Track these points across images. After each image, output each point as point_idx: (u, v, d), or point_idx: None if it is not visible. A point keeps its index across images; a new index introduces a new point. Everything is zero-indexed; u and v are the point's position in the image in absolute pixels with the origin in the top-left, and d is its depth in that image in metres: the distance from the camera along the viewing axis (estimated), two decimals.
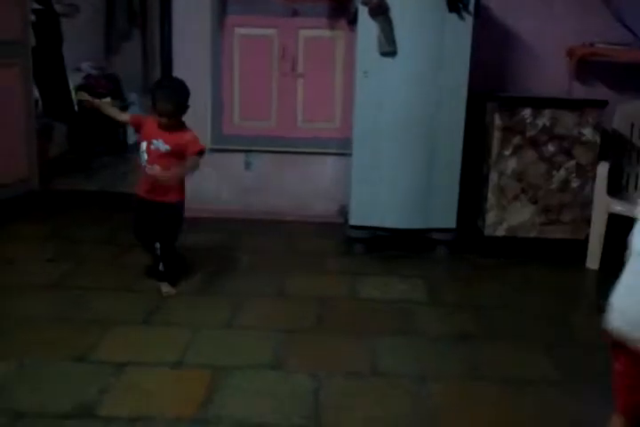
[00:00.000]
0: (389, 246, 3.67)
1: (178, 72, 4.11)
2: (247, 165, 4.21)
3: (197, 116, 4.11)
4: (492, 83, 3.91)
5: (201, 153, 2.94)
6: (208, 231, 3.89)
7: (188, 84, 4.13)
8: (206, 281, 3.16)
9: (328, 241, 3.80)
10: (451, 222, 3.58)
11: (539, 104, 3.53)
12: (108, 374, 2.26)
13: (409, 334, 2.70)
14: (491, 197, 3.58)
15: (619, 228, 3.46)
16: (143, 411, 2.06)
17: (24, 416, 2.01)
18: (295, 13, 4.01)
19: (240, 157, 4.20)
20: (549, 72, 3.99)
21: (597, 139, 3.54)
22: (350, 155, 3.65)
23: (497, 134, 3.55)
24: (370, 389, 2.27)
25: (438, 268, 3.52)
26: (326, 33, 4.05)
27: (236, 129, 4.17)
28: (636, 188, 3.68)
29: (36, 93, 5.11)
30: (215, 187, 4.21)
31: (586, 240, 3.53)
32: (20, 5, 4.37)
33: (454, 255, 3.62)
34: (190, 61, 4.09)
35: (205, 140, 4.15)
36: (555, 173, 3.56)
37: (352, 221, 3.62)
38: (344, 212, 3.79)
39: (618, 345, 1.47)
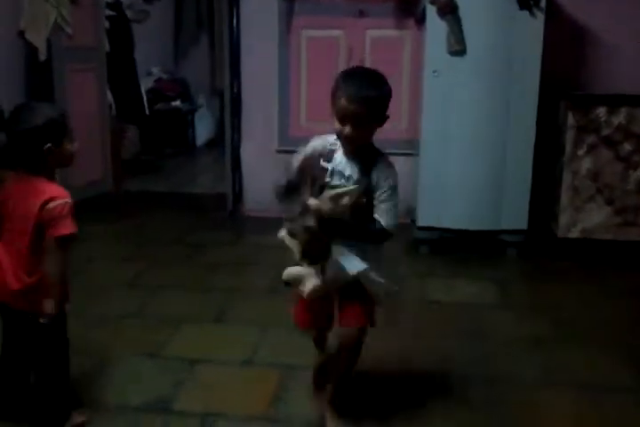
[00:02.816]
0: (457, 248, 3.62)
1: (245, 75, 4.19)
2: None
3: (265, 118, 4.19)
4: (566, 81, 3.80)
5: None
6: (274, 230, 3.90)
7: (256, 86, 4.23)
8: (274, 279, 3.19)
9: (394, 242, 3.75)
10: (521, 224, 3.50)
11: (614, 102, 3.42)
12: (181, 370, 2.32)
13: (480, 337, 2.65)
14: (564, 198, 3.49)
15: None
16: (214, 407, 2.10)
17: (104, 409, 2.08)
18: (362, 14, 4.02)
19: None
20: (625, 69, 3.85)
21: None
22: (417, 155, 3.63)
23: (570, 133, 3.45)
24: (439, 392, 2.24)
25: (508, 270, 3.44)
26: (394, 33, 4.04)
27: (302, 130, 4.19)
28: None
29: (110, 97, 5.29)
30: None
31: None
32: (95, 13, 4.54)
33: (525, 258, 3.54)
34: (258, 64, 4.15)
35: (273, 141, 4.21)
36: (631, 172, 3.44)
37: (419, 222, 3.59)
38: (411, 212, 3.76)
39: None
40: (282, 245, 3.70)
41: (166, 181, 5.18)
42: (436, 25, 3.40)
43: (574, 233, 3.49)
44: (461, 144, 3.48)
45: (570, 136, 3.45)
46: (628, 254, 3.49)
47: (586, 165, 3.44)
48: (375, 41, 4.06)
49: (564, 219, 3.49)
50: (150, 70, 6.43)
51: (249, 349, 2.49)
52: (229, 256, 3.56)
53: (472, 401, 2.18)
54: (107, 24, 5.02)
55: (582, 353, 2.51)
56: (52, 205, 1.78)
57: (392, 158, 4.15)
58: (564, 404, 2.17)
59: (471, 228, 3.53)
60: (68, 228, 1.79)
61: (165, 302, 2.94)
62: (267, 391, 2.21)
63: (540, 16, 3.34)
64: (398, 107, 4.10)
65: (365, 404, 2.14)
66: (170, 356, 2.43)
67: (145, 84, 6.21)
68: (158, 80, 6.38)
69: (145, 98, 6.09)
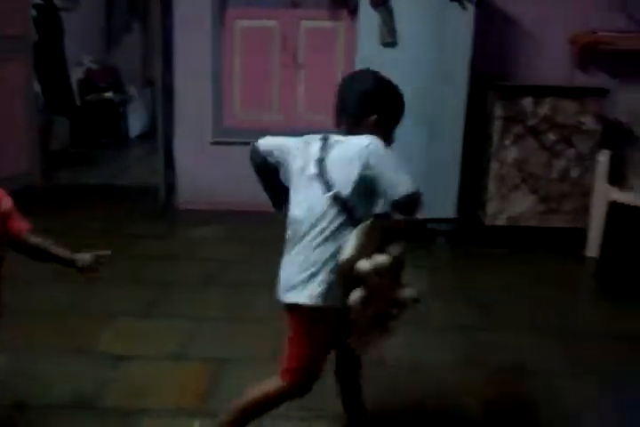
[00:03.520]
0: None
1: (178, 65, 4.12)
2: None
3: (198, 109, 4.14)
4: (494, 72, 3.89)
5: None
6: (211, 223, 3.91)
7: (189, 77, 4.17)
8: (211, 272, 3.18)
9: None
10: (451, 212, 3.58)
11: (539, 93, 3.52)
12: (107, 367, 2.28)
13: (408, 324, 2.68)
14: (491, 187, 3.58)
15: (619, 216, 3.47)
16: (143, 403, 2.08)
17: (25, 408, 2.03)
18: (295, 4, 4.00)
19: (242, 150, 4.18)
20: (552, 60, 3.96)
21: (598, 127, 3.54)
22: None
23: (497, 124, 3.54)
24: (373, 379, 2.27)
25: (437, 258, 3.52)
26: (327, 24, 4.03)
27: (237, 121, 4.17)
28: (637, 176, 3.66)
29: (38, 88, 5.12)
30: (217, 179, 4.21)
31: (586, 229, 3.52)
32: (22, 0, 4.38)
33: (454, 245, 3.62)
34: (191, 54, 4.09)
35: (207, 132, 4.17)
36: (555, 161, 3.56)
37: None
38: None
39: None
40: (214, 239, 3.72)
41: (98, 173, 5.06)
42: (368, 16, 3.43)
43: (501, 221, 3.59)
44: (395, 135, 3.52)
45: (497, 126, 3.54)
46: (552, 240, 3.61)
47: (512, 154, 3.54)
48: (309, 32, 4.06)
49: (491, 207, 3.59)
50: (81, 60, 6.25)
51: (180, 343, 2.47)
52: (161, 249, 3.52)
53: (398, 387, 2.23)
54: (34, 12, 4.86)
55: (508, 337, 2.60)
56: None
57: None
58: (480, 384, 2.24)
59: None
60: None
61: (95, 296, 2.88)
62: (197, 386, 2.20)
63: (470, 8, 3.41)
64: (332, 97, 4.11)
65: None
66: (98, 352, 2.39)
67: (75, 75, 6.04)
68: (89, 70, 6.22)
69: (75, 88, 5.93)
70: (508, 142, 3.55)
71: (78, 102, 6.01)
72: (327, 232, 1.59)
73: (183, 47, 4.10)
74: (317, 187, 1.62)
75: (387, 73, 3.38)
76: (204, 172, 4.19)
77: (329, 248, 1.59)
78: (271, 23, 4.06)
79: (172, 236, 3.79)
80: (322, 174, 1.62)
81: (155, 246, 3.56)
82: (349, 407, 1.96)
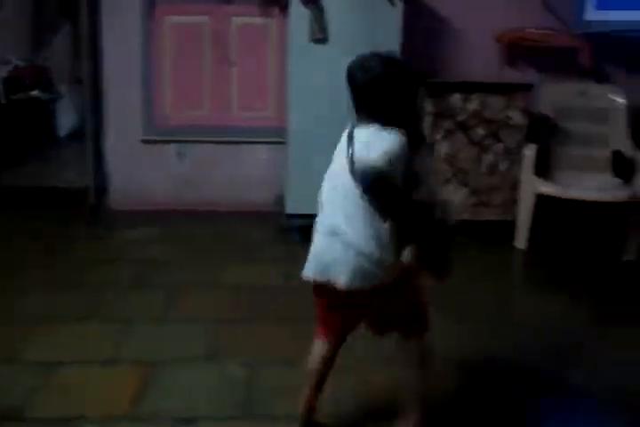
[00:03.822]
0: None
1: (107, 63, 4.02)
2: (181, 156, 4.15)
3: (128, 108, 4.05)
4: (425, 68, 3.94)
5: None
6: (142, 224, 3.84)
7: (118, 75, 4.08)
8: (139, 274, 3.12)
9: (264, 231, 3.79)
10: None
11: (468, 89, 3.59)
12: (37, 375, 2.22)
13: None
14: None
15: (546, 208, 3.58)
16: (73, 411, 2.03)
17: None
18: (226, 0, 3.96)
19: (174, 148, 4.14)
20: (479, 57, 4.04)
21: (524, 121, 3.63)
22: (286, 143, 3.64)
23: (428, 120, 3.60)
24: (302, 374, 2.28)
25: None
26: (259, 20, 4.01)
27: (168, 120, 4.10)
28: (562, 168, 3.78)
29: None
30: (148, 179, 4.14)
31: (515, 221, 3.61)
32: None
33: None
34: (120, 51, 4.00)
35: (137, 131, 4.09)
36: (484, 156, 3.64)
37: (288, 210, 3.62)
38: (280, 201, 3.78)
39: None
40: (145, 240, 3.66)
41: (26, 174, 4.89)
42: (299, 13, 3.43)
43: None
44: (327, 131, 3.50)
45: (427, 122, 3.60)
46: (482, 233, 3.68)
47: (443, 149, 3.60)
48: (240, 28, 4.02)
49: None
50: (7, 58, 6.03)
51: (112, 347, 2.43)
52: (92, 252, 3.43)
53: (334, 378, 2.23)
54: None
55: (439, 324, 2.63)
56: None
57: (260, 147, 4.24)
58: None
59: None
60: None
61: (25, 302, 2.79)
62: (129, 390, 2.16)
63: (399, 5, 3.44)
64: (265, 95, 4.10)
65: None
66: (28, 360, 2.33)
67: (0, 73, 5.81)
68: (16, 68, 6.00)
69: (0, 87, 5.72)
70: (438, 138, 3.61)
71: (3, 101, 5.79)
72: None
73: (112, 44, 4.00)
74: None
75: (317, 70, 3.44)
76: (136, 171, 4.11)
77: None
78: (202, 19, 4.00)
79: (103, 238, 3.69)
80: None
81: (85, 249, 3.47)
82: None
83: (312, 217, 3.54)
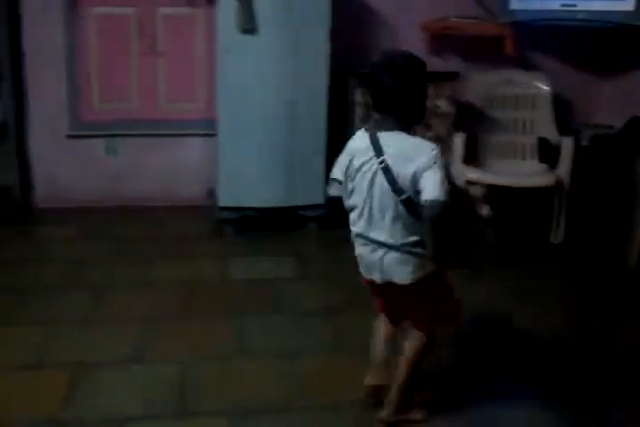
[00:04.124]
0: (260, 226, 3.67)
1: (30, 55, 3.88)
2: (109, 151, 4.05)
3: (53, 102, 3.92)
4: (356, 59, 3.94)
5: None
6: (69, 222, 3.74)
7: (42, 68, 3.94)
8: (66, 274, 3.04)
9: (197, 225, 3.75)
10: (319, 198, 3.62)
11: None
12: None
13: (276, 311, 2.73)
14: None
15: None
16: None
17: None
18: None
19: (102, 143, 4.03)
20: (408, 47, 3.95)
21: (452, 110, 3.68)
22: (216, 135, 3.60)
23: (358, 110, 3.61)
24: (236, 370, 2.27)
25: (308, 244, 3.56)
26: (185, 10, 3.93)
27: (95, 114, 3.99)
28: (490, 155, 3.86)
29: None
30: (76, 175, 4.02)
31: None
32: None
33: (325, 231, 3.67)
34: (42, 45, 3.86)
35: (63, 126, 3.97)
36: None
37: (221, 203, 3.58)
38: (213, 194, 3.74)
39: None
40: (72, 238, 3.55)
41: None
42: (226, 3, 3.37)
43: None
44: (257, 123, 3.51)
45: (358, 113, 3.61)
46: None
47: None
48: (167, 18, 3.94)
49: None
50: None
51: (37, 350, 2.36)
52: (16, 252, 3.31)
53: (265, 373, 2.24)
54: None
55: (370, 319, 2.65)
56: None
57: (191, 140, 4.18)
58: (352, 366, 2.28)
59: (271, 205, 3.59)
60: None
61: None
62: (56, 394, 2.11)
63: None
64: (195, 86, 4.04)
65: None
66: None
67: None
68: None
69: None
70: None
71: None
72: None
73: (34, 36, 3.84)
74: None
75: (247, 60, 3.40)
76: (63, 168, 3.99)
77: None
78: (127, 10, 3.89)
79: (29, 237, 3.57)
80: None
81: (9, 249, 3.34)
82: None
83: (244, 210, 3.58)
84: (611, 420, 2.09)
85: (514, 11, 3.89)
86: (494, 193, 3.63)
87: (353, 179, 1.84)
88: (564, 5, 3.74)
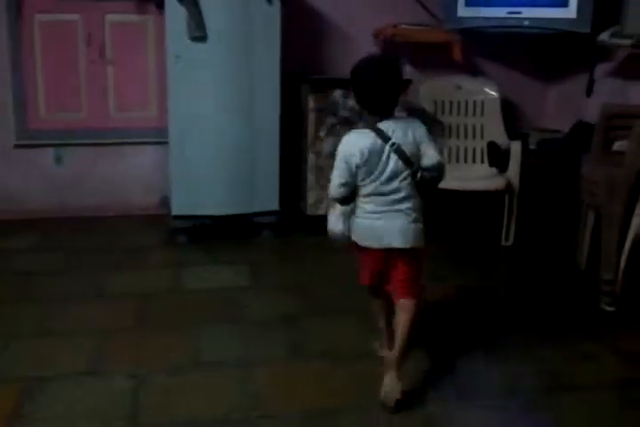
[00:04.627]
0: (214, 234, 3.65)
1: None
2: (58, 160, 3.97)
3: None
4: (309, 66, 3.96)
5: None
6: (18, 233, 3.66)
7: None
8: (17, 286, 2.96)
9: (151, 234, 3.70)
10: (274, 205, 3.62)
11: (348, 85, 3.61)
12: None
13: (232, 320, 2.70)
14: (310, 178, 3.67)
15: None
16: None
17: None
18: None
19: (50, 152, 3.96)
20: (360, 54, 4.05)
21: (404, 115, 3.71)
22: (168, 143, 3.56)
23: (311, 116, 3.62)
24: (193, 381, 2.25)
25: (263, 251, 3.55)
26: (135, 17, 3.89)
27: (43, 122, 3.91)
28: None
29: None
30: (23, 185, 3.94)
31: None
32: None
33: (280, 238, 3.67)
34: None
35: (9, 136, 3.88)
36: None
37: (174, 212, 3.55)
38: (166, 202, 3.70)
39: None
40: (22, 250, 3.47)
41: None
42: (175, 10, 3.34)
43: (321, 210, 3.66)
44: (209, 130, 3.49)
45: (311, 118, 3.62)
46: None
47: (327, 145, 3.63)
48: (115, 26, 3.89)
49: (311, 197, 3.68)
50: None
51: None
52: None
53: (222, 384, 2.22)
54: None
55: (326, 324, 2.67)
56: None
57: (143, 148, 4.13)
58: (310, 374, 2.30)
59: (225, 213, 3.57)
60: None
61: None
62: (4, 409, 2.04)
63: (277, 2, 3.43)
64: (146, 94, 3.99)
65: None
66: None
67: None
68: None
69: None
70: (322, 134, 3.64)
71: None
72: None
73: None
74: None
75: (198, 68, 3.38)
76: (10, 178, 3.90)
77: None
78: (74, 17, 3.84)
79: None
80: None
81: None
82: None
83: (198, 218, 3.55)
84: None
85: (461, 18, 3.96)
86: (446, 197, 3.69)
87: (366, 172, 2.10)
88: (510, 13, 3.84)
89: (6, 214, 3.84)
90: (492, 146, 3.85)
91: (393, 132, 2.09)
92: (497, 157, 3.79)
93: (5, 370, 2.27)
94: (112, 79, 3.94)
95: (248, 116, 3.51)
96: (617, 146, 3.13)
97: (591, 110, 3.63)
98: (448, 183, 3.54)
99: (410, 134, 2.12)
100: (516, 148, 3.66)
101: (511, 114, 4.23)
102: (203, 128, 3.48)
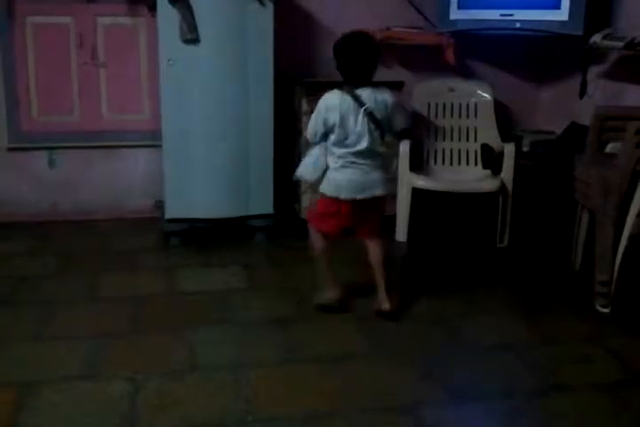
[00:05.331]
0: (208, 238, 3.64)
1: None
2: (51, 163, 3.95)
3: None
4: (302, 69, 3.96)
5: None
6: (11, 237, 3.64)
7: None
8: (11, 290, 2.95)
9: (144, 237, 3.69)
10: (268, 208, 3.61)
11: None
12: None
13: (226, 323, 2.70)
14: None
15: (422, 201, 3.70)
16: None
17: None
18: (91, 0, 3.80)
19: (43, 155, 3.94)
20: None
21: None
22: (162, 146, 3.55)
23: (305, 119, 3.61)
24: (188, 384, 2.24)
25: (256, 254, 3.54)
26: (126, 20, 3.88)
27: (35, 125, 3.89)
28: (435, 162, 3.93)
29: None
30: (16, 189, 3.92)
31: (394, 215, 3.71)
32: None
33: (273, 241, 3.66)
34: None
35: (2, 139, 3.86)
36: None
37: (168, 215, 3.53)
38: (160, 206, 3.69)
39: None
40: (15, 254, 3.45)
41: None
42: (167, 12, 3.33)
43: None
44: (202, 133, 3.48)
45: (305, 121, 3.60)
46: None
47: None
48: (107, 28, 3.88)
49: (305, 200, 3.67)
50: None
51: None
52: None
53: (217, 387, 2.21)
54: None
55: (319, 327, 2.67)
56: None
57: (137, 151, 4.11)
58: (304, 377, 2.29)
59: (219, 216, 3.57)
60: None
61: None
62: (1, 414, 2.02)
63: (269, 4, 3.43)
64: (139, 97, 3.98)
65: None
66: None
67: None
68: None
69: None
70: None
71: None
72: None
73: None
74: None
75: (190, 70, 3.37)
76: (2, 181, 3.88)
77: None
78: (65, 20, 3.82)
79: None
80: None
81: None
82: None
83: (192, 221, 3.54)
84: None
85: (454, 20, 3.97)
86: (440, 199, 3.70)
87: (336, 124, 2.50)
88: (502, 15, 3.85)
89: (1, 218, 3.82)
90: (486, 148, 3.85)
91: (367, 97, 2.48)
92: (490, 159, 3.80)
93: (1, 374, 2.25)
94: (104, 82, 3.92)
95: (241, 118, 3.51)
96: (610, 147, 3.15)
97: (584, 112, 3.64)
98: (442, 185, 3.61)
99: (381, 101, 2.51)
100: (509, 150, 3.66)
101: (504, 116, 4.25)
102: (196, 131, 3.47)
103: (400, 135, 2.84)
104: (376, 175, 2.57)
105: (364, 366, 2.38)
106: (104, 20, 3.87)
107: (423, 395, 2.20)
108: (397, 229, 3.70)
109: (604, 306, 2.86)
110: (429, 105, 3.96)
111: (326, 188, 2.60)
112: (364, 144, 2.51)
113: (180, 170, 3.50)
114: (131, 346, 2.49)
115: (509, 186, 3.63)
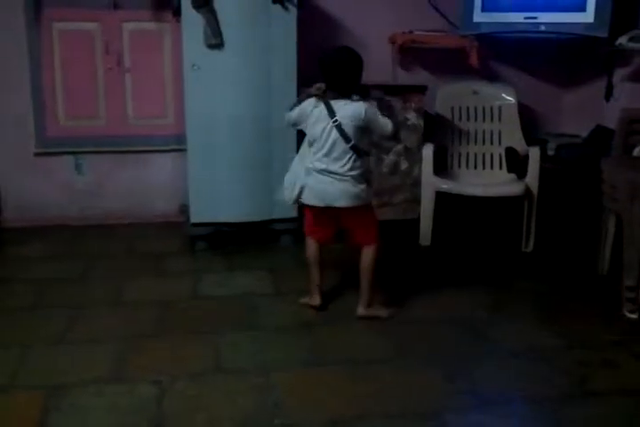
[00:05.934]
0: (233, 241, 3.66)
1: None
2: (78, 168, 4.00)
3: (18, 120, 3.87)
4: None
5: None
6: (39, 241, 3.68)
7: (5, 85, 3.88)
8: (36, 294, 2.98)
9: (170, 241, 3.72)
10: (291, 212, 3.61)
11: (365, 91, 3.62)
12: None
13: (252, 327, 2.71)
14: None
15: (446, 205, 3.68)
16: None
17: None
18: (116, 6, 3.85)
19: (70, 160, 3.99)
20: (375, 60, 4.05)
21: (421, 122, 3.73)
22: (187, 151, 3.57)
23: None
24: (214, 388, 2.25)
25: (282, 258, 3.54)
26: (151, 25, 3.93)
27: (62, 130, 3.95)
28: (459, 166, 3.91)
29: None
30: (43, 194, 3.98)
31: (418, 219, 3.70)
32: None
33: (298, 244, 3.64)
34: (5, 60, 3.81)
35: (29, 144, 3.92)
36: (385, 157, 3.71)
37: (193, 219, 3.56)
38: (185, 210, 3.71)
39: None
40: (42, 257, 3.49)
41: None
42: (192, 18, 3.36)
43: None
44: (227, 137, 3.50)
45: None
46: (385, 233, 3.69)
47: None
48: (133, 34, 3.92)
49: None
50: None
51: (7, 373, 2.30)
52: None
53: (243, 390, 2.22)
54: None
55: (346, 331, 2.67)
56: None
57: (161, 155, 4.15)
58: (331, 381, 2.28)
59: (243, 220, 3.58)
60: None
61: None
62: (30, 417, 2.05)
63: (293, 9, 3.44)
64: (163, 102, 4.02)
65: None
66: None
67: None
68: None
69: None
70: None
71: None
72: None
73: None
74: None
75: (215, 76, 3.40)
76: (30, 186, 3.94)
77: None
78: (91, 26, 3.88)
79: None
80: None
81: None
82: None
83: (217, 225, 3.55)
84: None
85: (478, 23, 3.96)
86: (465, 203, 3.68)
87: (308, 126, 2.63)
88: (527, 18, 3.83)
89: (28, 222, 3.88)
90: (511, 151, 3.83)
91: (339, 109, 2.54)
92: (515, 163, 3.77)
93: (28, 378, 2.28)
94: (130, 87, 3.97)
95: (265, 123, 3.52)
96: (638, 151, 3.11)
97: (610, 115, 3.61)
98: (466, 189, 3.60)
99: (352, 114, 2.53)
100: (534, 153, 3.63)
101: (529, 119, 4.22)
102: (220, 135, 3.49)
103: (393, 138, 2.91)
104: (341, 186, 2.57)
105: (389, 370, 2.37)
106: (129, 26, 3.91)
107: (449, 400, 2.19)
108: (421, 232, 3.69)
109: (631, 311, 2.82)
110: (453, 108, 3.95)
111: (302, 194, 2.68)
112: (331, 154, 2.56)
113: (204, 174, 3.52)
114: (156, 349, 2.50)
115: (534, 190, 3.60)
